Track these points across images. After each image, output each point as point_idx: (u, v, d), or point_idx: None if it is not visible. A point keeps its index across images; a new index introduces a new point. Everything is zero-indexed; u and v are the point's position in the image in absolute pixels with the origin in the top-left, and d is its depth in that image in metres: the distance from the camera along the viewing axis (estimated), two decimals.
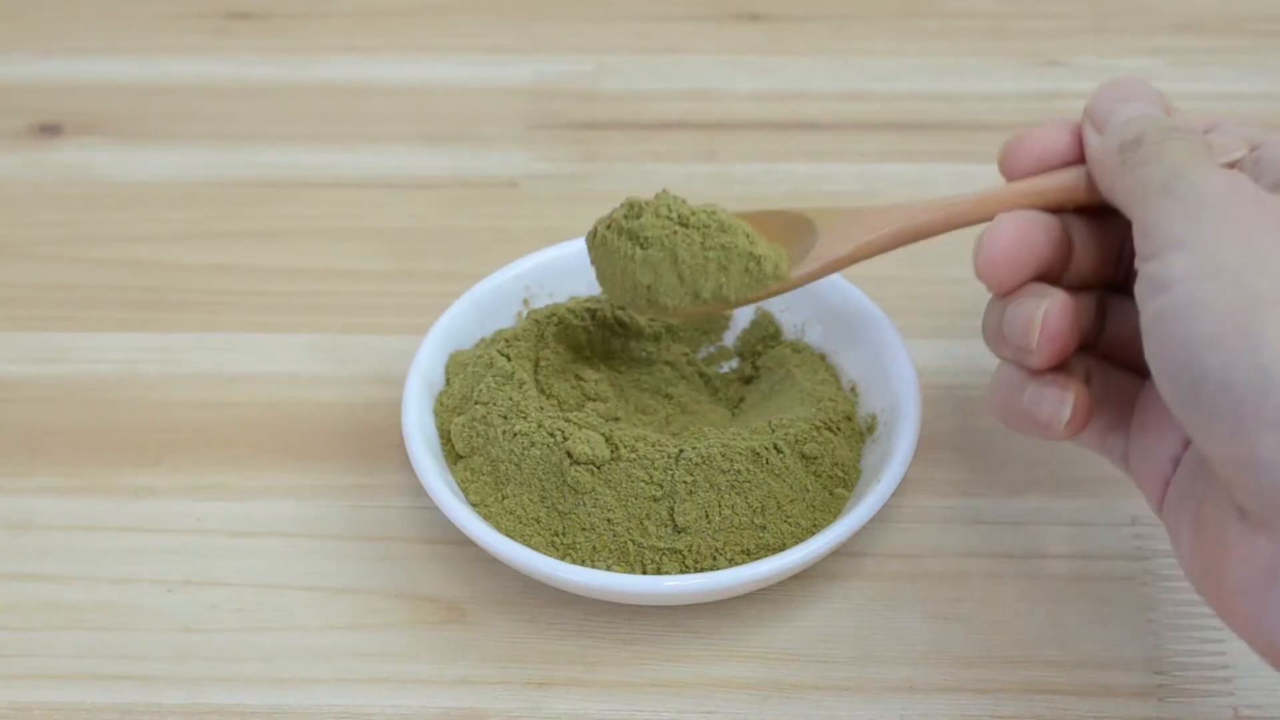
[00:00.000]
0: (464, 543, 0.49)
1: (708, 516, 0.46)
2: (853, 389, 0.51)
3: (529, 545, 0.46)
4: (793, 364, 0.52)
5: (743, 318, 0.54)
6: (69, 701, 0.46)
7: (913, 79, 0.67)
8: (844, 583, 0.48)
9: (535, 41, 0.70)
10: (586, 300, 0.53)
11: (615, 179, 0.63)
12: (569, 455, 0.46)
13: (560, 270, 0.54)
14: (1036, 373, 0.43)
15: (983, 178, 0.63)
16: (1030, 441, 0.52)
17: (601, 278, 0.47)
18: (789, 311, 0.53)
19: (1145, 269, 0.38)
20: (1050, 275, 0.44)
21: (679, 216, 0.46)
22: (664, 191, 0.47)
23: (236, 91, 0.67)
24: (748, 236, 0.46)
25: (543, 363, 0.50)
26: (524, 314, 0.53)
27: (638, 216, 0.46)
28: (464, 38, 0.70)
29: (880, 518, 0.49)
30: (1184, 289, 0.36)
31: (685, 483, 0.46)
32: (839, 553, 0.48)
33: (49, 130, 0.66)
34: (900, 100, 0.66)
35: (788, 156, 0.64)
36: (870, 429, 0.50)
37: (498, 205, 0.62)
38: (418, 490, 0.49)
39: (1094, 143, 0.43)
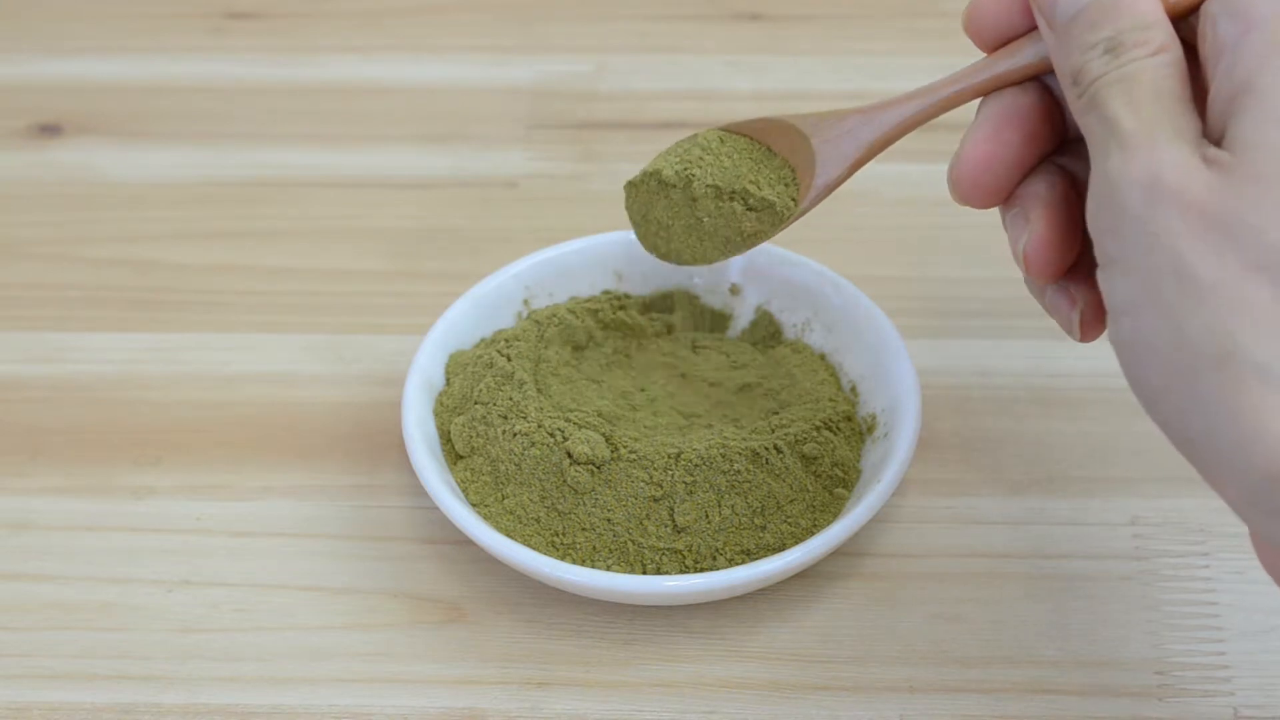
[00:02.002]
0: (464, 543, 0.49)
1: (707, 516, 0.46)
2: (853, 389, 0.51)
3: (529, 545, 0.46)
4: (793, 364, 0.52)
5: (743, 317, 0.54)
6: (69, 701, 0.46)
7: (913, 79, 0.67)
8: (844, 583, 0.48)
9: (535, 41, 0.70)
10: (587, 300, 0.53)
11: (615, 179, 0.63)
12: (569, 455, 0.46)
13: (560, 270, 0.54)
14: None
15: None
16: (1030, 441, 0.52)
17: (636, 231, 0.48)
18: (789, 311, 0.53)
19: (1099, 280, 0.36)
20: (1044, 152, 0.41)
21: (686, 179, 0.46)
22: (692, 143, 0.46)
23: (236, 91, 0.67)
24: (754, 182, 0.46)
25: (543, 363, 0.50)
26: (524, 314, 0.53)
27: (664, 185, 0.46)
28: (464, 38, 0.70)
29: (880, 518, 0.49)
30: (1128, 324, 0.35)
31: (685, 483, 0.46)
32: (839, 553, 0.48)
33: (49, 130, 0.66)
34: None
35: None
36: (870, 429, 0.50)
37: (497, 205, 0.62)
38: (418, 490, 0.49)
39: (1050, 43, 0.38)
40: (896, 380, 0.50)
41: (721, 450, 0.47)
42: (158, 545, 0.50)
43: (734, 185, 0.45)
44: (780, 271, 0.53)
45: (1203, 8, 0.37)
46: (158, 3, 0.72)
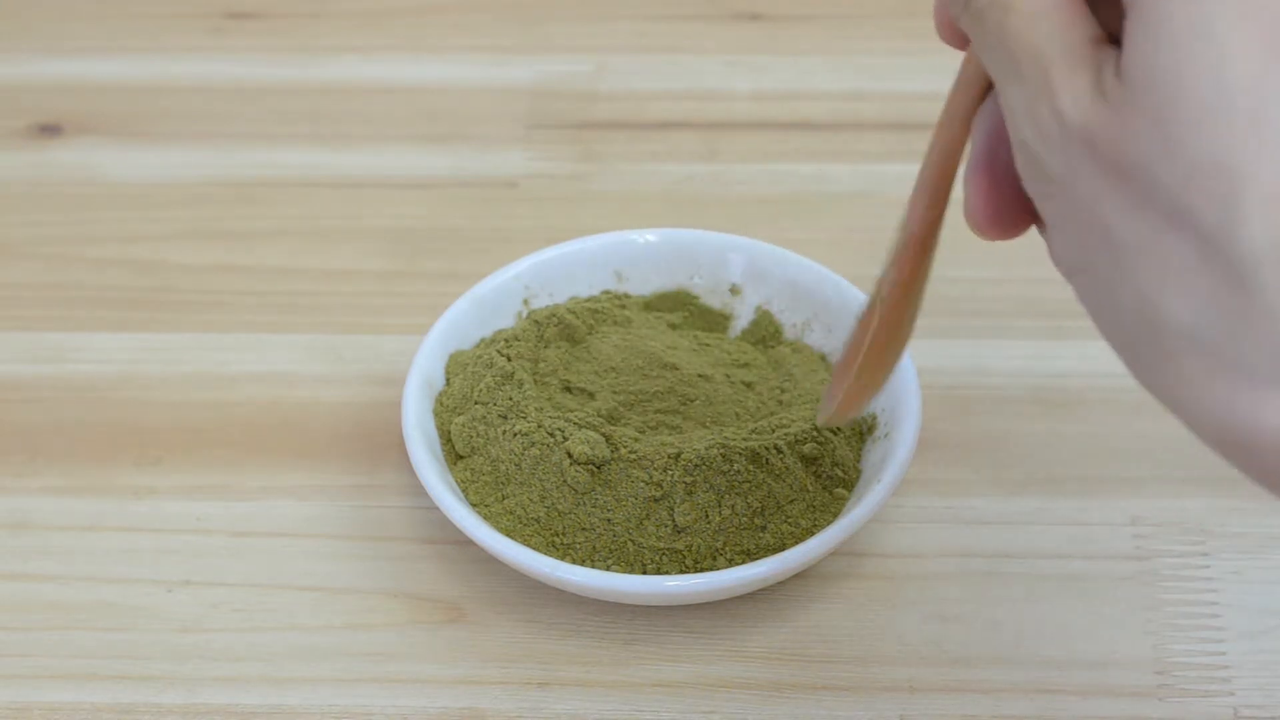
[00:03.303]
0: (464, 543, 0.49)
1: (707, 516, 0.46)
2: None
3: (529, 545, 0.46)
4: (792, 364, 0.52)
5: (743, 317, 0.54)
6: (69, 701, 0.46)
7: (913, 79, 0.67)
8: (844, 583, 0.48)
9: (535, 41, 0.70)
10: (587, 300, 0.53)
11: (615, 179, 0.63)
12: (569, 455, 0.46)
13: (560, 270, 0.54)
14: None
15: None
16: (1030, 441, 0.52)
17: None
18: (789, 312, 0.53)
19: (1046, 235, 0.34)
20: None
21: None
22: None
23: (236, 91, 0.67)
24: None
25: (542, 363, 0.50)
26: (524, 314, 0.53)
27: None
28: (464, 38, 0.70)
29: (880, 518, 0.49)
30: (1079, 283, 0.33)
31: (685, 483, 0.46)
32: (839, 553, 0.48)
33: (49, 130, 0.66)
34: (900, 100, 0.66)
35: (788, 156, 0.64)
36: (870, 429, 0.50)
37: (498, 205, 0.62)
38: (418, 490, 0.49)
39: None
40: (896, 380, 0.49)
41: (721, 450, 0.47)
42: (158, 545, 0.50)
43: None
44: (780, 272, 0.53)
45: None
46: (158, 3, 0.72)
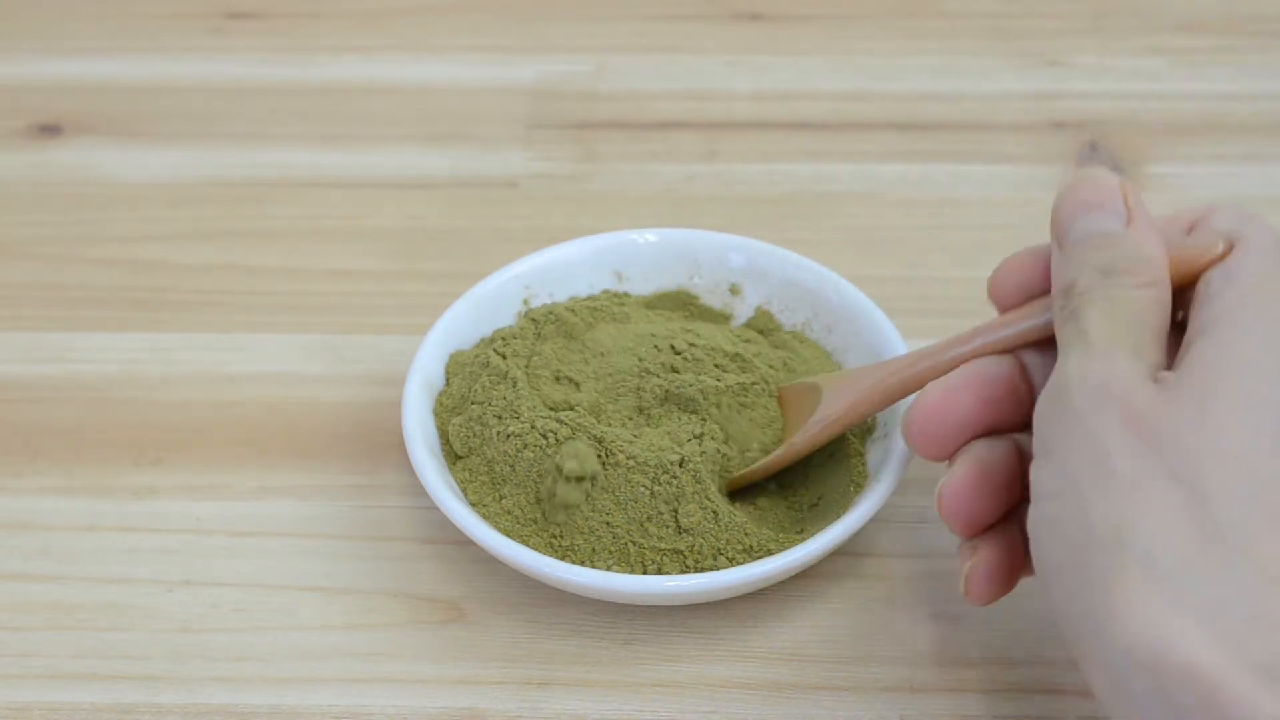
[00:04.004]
0: (464, 543, 0.49)
1: (715, 516, 0.46)
2: None
3: (528, 545, 0.46)
4: (795, 346, 0.52)
5: (742, 317, 0.54)
6: (69, 701, 0.46)
7: (913, 79, 0.67)
8: (844, 583, 0.48)
9: (535, 41, 0.70)
10: (587, 300, 0.53)
11: (615, 179, 0.63)
12: (559, 469, 0.46)
13: (560, 270, 0.54)
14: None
15: (981, 178, 0.63)
16: None
17: None
18: (789, 311, 0.53)
19: (1030, 472, 0.39)
20: (1005, 425, 0.43)
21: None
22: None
23: (236, 91, 0.67)
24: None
25: (536, 356, 0.50)
26: (523, 314, 0.53)
27: None
28: (464, 38, 0.70)
29: (880, 518, 0.49)
30: (1044, 507, 0.37)
31: (692, 490, 0.46)
32: (839, 553, 0.48)
33: (49, 130, 0.66)
34: (900, 100, 0.66)
35: (788, 156, 0.64)
36: (870, 429, 0.50)
37: (498, 205, 0.62)
38: (418, 490, 0.49)
39: (1056, 265, 0.42)
40: None
41: (723, 455, 0.47)
42: (158, 545, 0.50)
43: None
44: (780, 271, 0.53)
45: (1201, 276, 0.40)
46: (158, 3, 0.72)
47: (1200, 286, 0.40)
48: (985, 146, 0.64)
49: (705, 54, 0.69)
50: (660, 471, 0.46)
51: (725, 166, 0.63)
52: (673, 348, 0.50)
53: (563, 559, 0.46)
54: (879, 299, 0.52)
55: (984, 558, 0.42)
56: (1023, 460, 0.42)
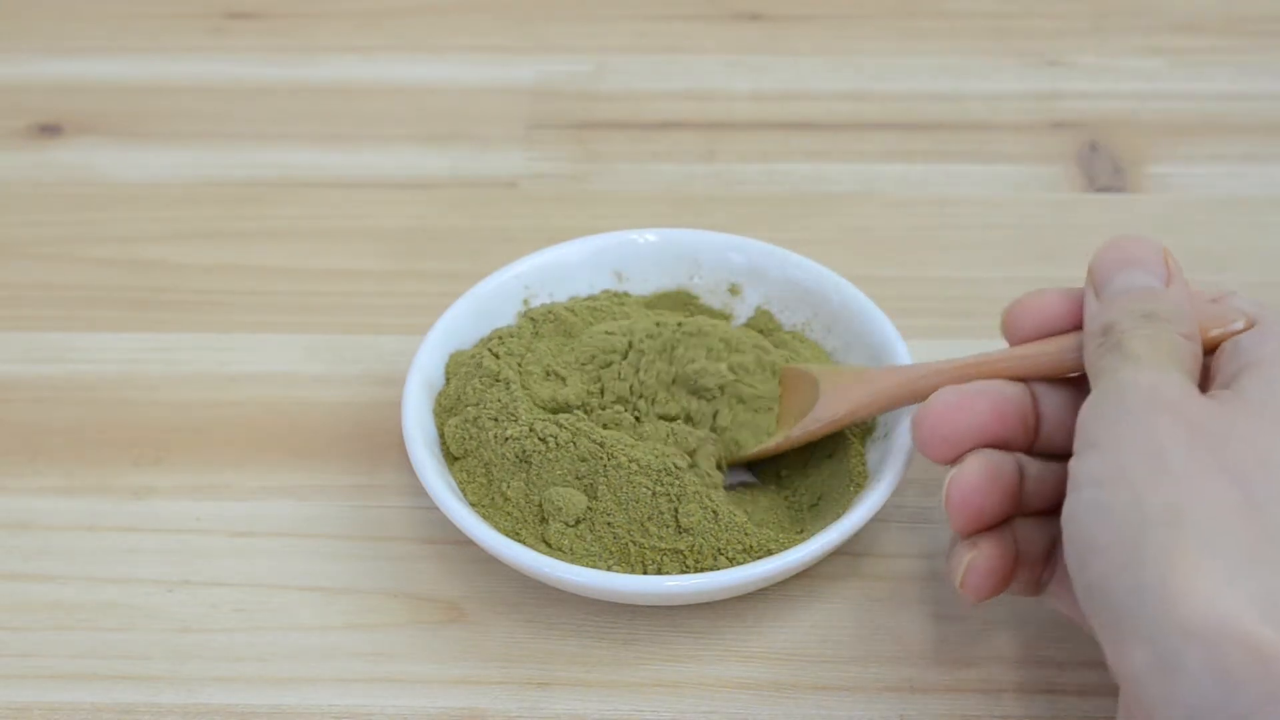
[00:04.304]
0: (463, 542, 0.49)
1: (715, 516, 0.46)
2: None
3: (528, 545, 0.46)
4: (795, 345, 0.52)
5: (742, 317, 0.54)
6: (69, 701, 0.46)
7: (913, 79, 0.67)
8: (844, 583, 0.48)
9: (535, 41, 0.70)
10: (587, 300, 0.53)
11: (615, 179, 0.63)
12: (541, 509, 0.46)
13: (560, 270, 0.54)
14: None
15: (982, 178, 0.63)
16: None
17: None
18: (789, 312, 0.53)
19: (1070, 465, 0.39)
20: (1011, 445, 0.43)
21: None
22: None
23: (236, 91, 0.67)
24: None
25: (530, 353, 0.50)
26: (523, 314, 0.53)
27: None
28: (464, 38, 0.70)
29: (880, 518, 0.49)
30: (1089, 492, 0.37)
31: (693, 490, 0.46)
32: (839, 553, 0.48)
33: (49, 130, 0.66)
34: (900, 100, 0.66)
35: (788, 156, 0.64)
36: (870, 429, 0.50)
37: (498, 205, 0.62)
38: (418, 490, 0.49)
39: (1091, 310, 0.43)
40: None
41: (723, 455, 0.47)
42: (158, 545, 0.50)
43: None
44: (780, 272, 0.53)
45: (1219, 348, 0.42)
46: (158, 3, 0.72)
47: (1226, 348, 0.41)
48: (985, 146, 0.64)
49: (705, 54, 0.69)
50: (662, 474, 0.46)
51: (725, 166, 0.63)
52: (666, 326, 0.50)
53: (562, 559, 0.46)
54: (879, 299, 0.52)
55: (985, 553, 0.42)
56: (1024, 478, 0.43)
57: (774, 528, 0.47)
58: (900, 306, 0.53)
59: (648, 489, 0.46)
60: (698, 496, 0.46)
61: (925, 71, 0.68)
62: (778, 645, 0.47)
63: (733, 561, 0.46)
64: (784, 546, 0.46)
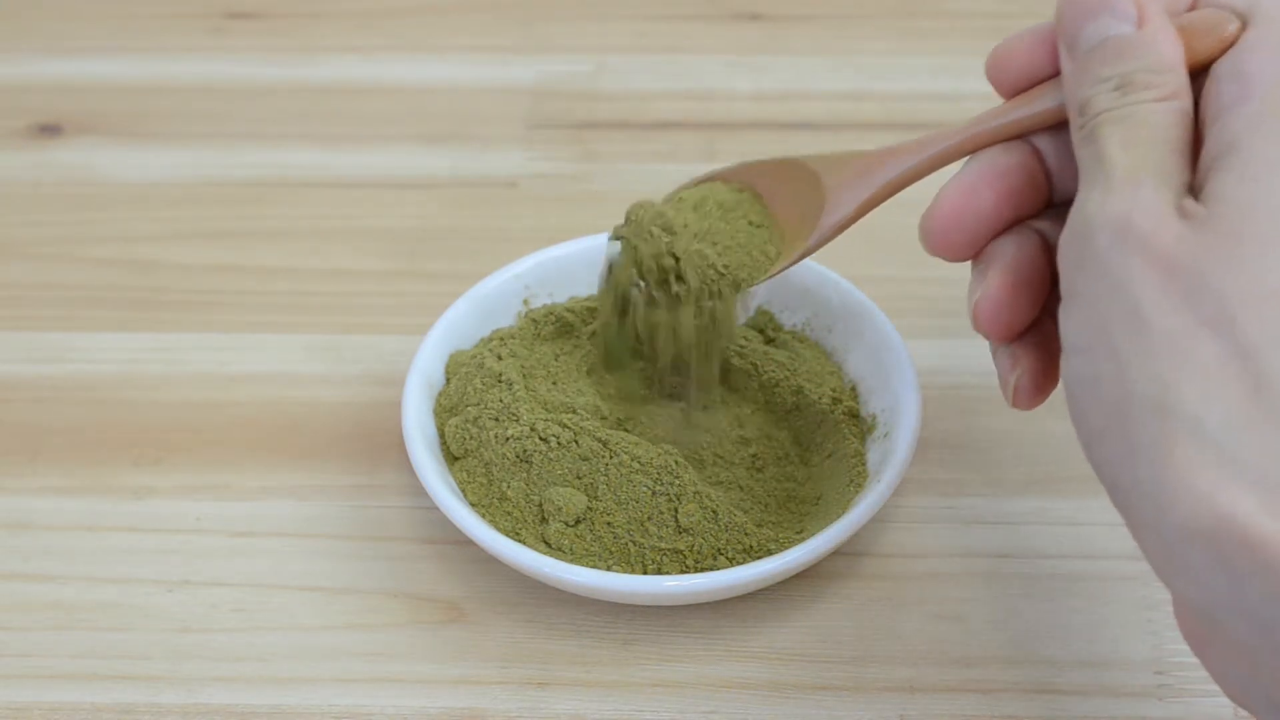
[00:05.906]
0: (464, 542, 0.49)
1: (715, 516, 0.46)
2: (853, 389, 0.51)
3: (528, 545, 0.46)
4: (797, 347, 0.52)
5: (742, 317, 0.54)
6: (69, 701, 0.46)
7: (913, 79, 0.67)
8: (844, 583, 0.48)
9: (535, 41, 0.70)
10: (586, 300, 0.53)
11: (615, 179, 0.63)
12: (541, 509, 0.46)
13: (560, 270, 0.54)
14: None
15: None
16: (1030, 441, 0.52)
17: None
18: (789, 311, 0.53)
19: (1059, 317, 0.37)
20: (1023, 215, 0.41)
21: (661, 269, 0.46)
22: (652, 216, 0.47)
23: (236, 91, 0.67)
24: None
25: (533, 355, 0.50)
26: (524, 314, 0.53)
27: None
28: (464, 38, 0.70)
29: (880, 518, 0.49)
30: (1078, 363, 0.36)
31: (693, 490, 0.46)
32: (839, 553, 0.48)
33: (49, 130, 0.66)
34: (900, 100, 0.66)
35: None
36: (870, 429, 0.50)
37: (498, 205, 0.62)
38: (418, 490, 0.49)
39: (1066, 72, 0.39)
40: (896, 380, 0.50)
41: (724, 458, 0.47)
42: (157, 545, 0.50)
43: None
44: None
45: (1212, 68, 0.37)
46: (158, 3, 0.72)
47: (1211, 85, 0.37)
48: None
49: (705, 54, 0.69)
50: (663, 472, 0.46)
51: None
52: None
53: (562, 559, 0.46)
54: (879, 299, 0.52)
55: (1027, 367, 0.41)
56: (1048, 252, 0.40)
57: (774, 528, 0.47)
58: (900, 306, 0.53)
59: (647, 489, 0.46)
60: (698, 496, 0.46)
61: (925, 71, 0.68)
62: (778, 645, 0.47)
63: (733, 561, 0.46)
64: (784, 546, 0.46)
